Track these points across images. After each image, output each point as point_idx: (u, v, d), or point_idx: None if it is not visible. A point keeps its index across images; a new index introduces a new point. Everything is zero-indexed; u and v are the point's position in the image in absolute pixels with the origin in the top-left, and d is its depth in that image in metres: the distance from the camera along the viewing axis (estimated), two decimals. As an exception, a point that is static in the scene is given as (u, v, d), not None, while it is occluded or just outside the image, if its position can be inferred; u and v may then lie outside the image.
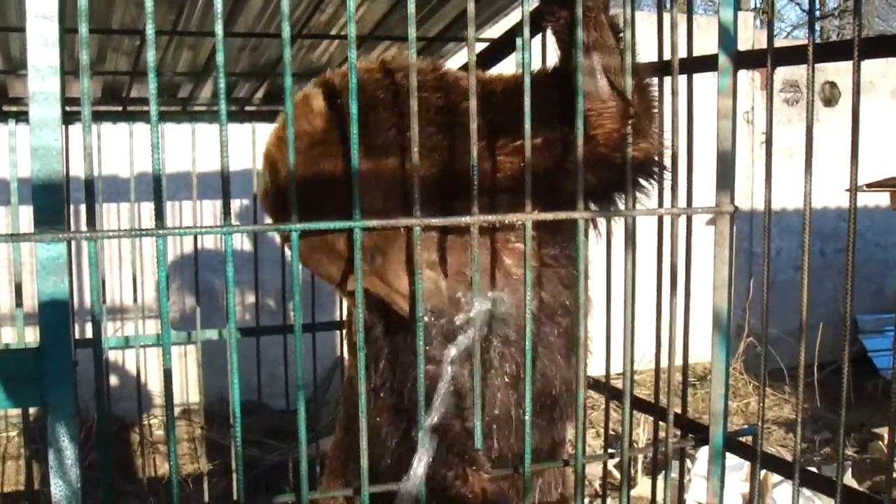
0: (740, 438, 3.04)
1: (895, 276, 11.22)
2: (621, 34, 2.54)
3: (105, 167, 5.37)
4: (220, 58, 1.99)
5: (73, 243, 1.97)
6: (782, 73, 10.71)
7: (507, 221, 2.33)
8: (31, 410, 6.00)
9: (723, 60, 2.77)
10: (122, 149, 5.19)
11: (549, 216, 2.30)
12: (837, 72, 11.05)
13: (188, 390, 8.11)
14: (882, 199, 9.72)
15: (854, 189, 2.45)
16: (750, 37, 10.48)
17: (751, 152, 10.53)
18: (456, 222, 2.22)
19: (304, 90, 2.70)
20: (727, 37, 2.76)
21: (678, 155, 2.71)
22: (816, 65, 2.53)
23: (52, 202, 1.90)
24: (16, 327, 4.56)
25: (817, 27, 24.26)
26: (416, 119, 2.16)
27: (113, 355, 7.73)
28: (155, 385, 8.35)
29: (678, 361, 2.86)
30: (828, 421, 8.32)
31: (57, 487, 1.93)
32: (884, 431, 7.68)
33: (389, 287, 2.47)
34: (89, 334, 7.51)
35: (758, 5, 24.49)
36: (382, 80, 2.58)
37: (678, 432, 3.14)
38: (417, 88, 2.20)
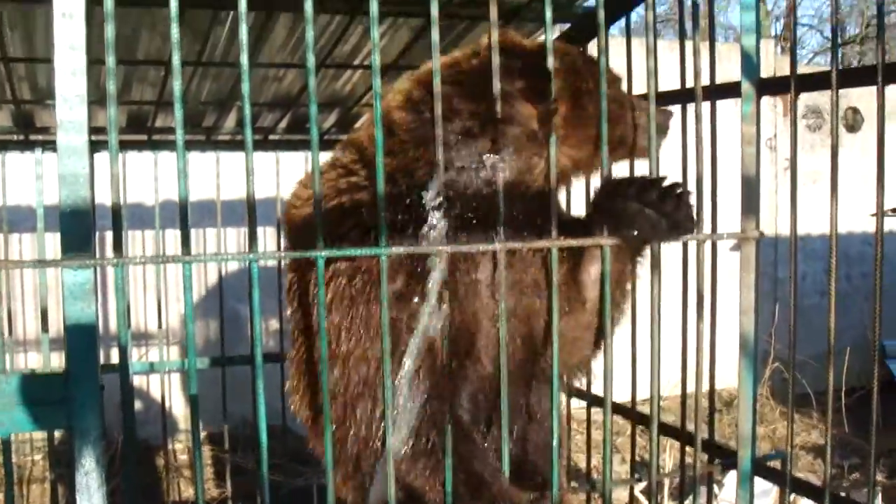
0: (769, 463, 3.02)
1: (922, 301, 11.11)
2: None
3: (130, 195, 5.42)
4: (245, 88, 2.01)
5: (98, 269, 1.98)
6: (805, 100, 10.68)
7: (527, 249, 2.33)
8: (57, 434, 6.03)
9: (746, 87, 2.77)
10: (146, 177, 5.22)
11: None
12: (860, 97, 11.00)
13: (212, 415, 8.12)
14: (905, 223, 9.68)
15: (881, 214, 2.44)
16: (771, 64, 10.45)
17: (774, 178, 10.50)
18: (483, 248, 2.23)
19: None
20: (750, 63, 2.76)
21: (703, 181, 2.70)
22: (839, 91, 2.53)
23: (79, 229, 1.92)
24: (41, 353, 4.59)
25: (839, 53, 24.23)
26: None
27: (137, 380, 7.77)
28: (179, 410, 8.37)
29: (704, 386, 2.84)
30: (857, 447, 8.23)
31: (83, 512, 1.93)
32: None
33: None
34: (115, 359, 7.55)
35: (779, 32, 24.48)
36: None
37: (705, 457, 3.11)
38: None
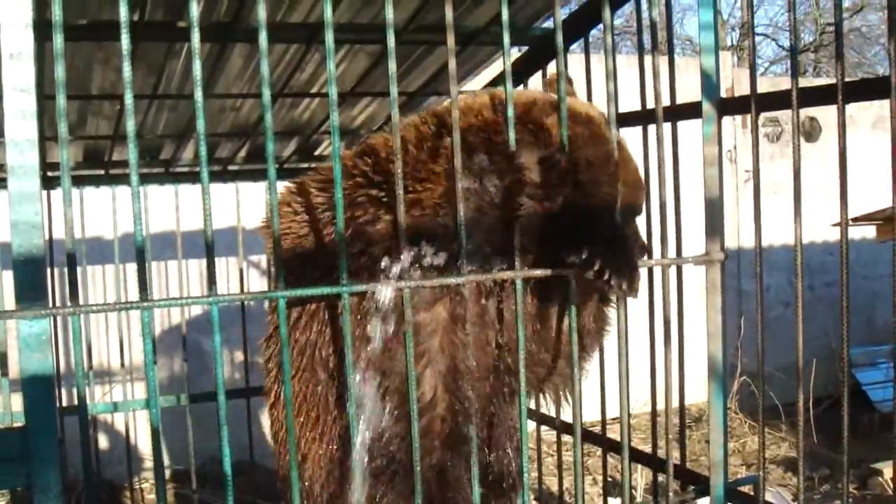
0: (741, 488, 3.00)
1: (884, 308, 11.19)
2: None
3: (89, 230, 5.33)
4: (200, 125, 1.97)
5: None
6: (763, 109, 10.73)
7: (493, 280, 2.31)
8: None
9: (707, 108, 2.74)
10: (105, 211, 5.15)
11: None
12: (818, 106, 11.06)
13: (179, 452, 8.02)
14: (867, 231, 9.71)
15: (845, 230, 2.44)
16: (729, 76, 10.51)
17: (735, 190, 10.54)
18: (447, 282, 2.20)
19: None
20: (710, 84, 2.74)
21: (666, 205, 2.69)
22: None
23: (33, 277, 1.87)
24: (2, 396, 4.50)
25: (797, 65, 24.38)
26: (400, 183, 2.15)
27: (102, 418, 7.65)
28: (145, 447, 8.24)
29: (674, 408, 2.83)
30: (826, 457, 8.25)
31: (45, 568, 1.88)
32: (883, 467, 7.61)
33: None
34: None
35: (734, 43, 24.69)
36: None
37: (678, 485, 3.10)
38: None
